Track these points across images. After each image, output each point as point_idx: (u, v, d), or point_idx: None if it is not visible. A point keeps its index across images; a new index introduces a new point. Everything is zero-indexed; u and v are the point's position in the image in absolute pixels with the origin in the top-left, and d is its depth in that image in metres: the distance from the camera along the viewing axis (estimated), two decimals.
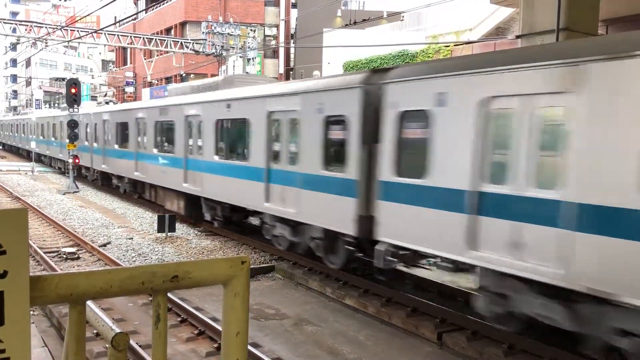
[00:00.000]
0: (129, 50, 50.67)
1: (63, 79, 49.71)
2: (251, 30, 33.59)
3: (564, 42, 6.68)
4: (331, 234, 10.19)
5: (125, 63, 55.19)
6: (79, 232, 14.58)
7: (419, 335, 8.17)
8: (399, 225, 8.58)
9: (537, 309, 6.71)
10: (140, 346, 6.85)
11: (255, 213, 12.91)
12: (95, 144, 24.40)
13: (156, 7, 46.08)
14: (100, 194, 23.23)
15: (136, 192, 20.31)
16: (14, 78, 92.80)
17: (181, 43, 32.37)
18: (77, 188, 24.14)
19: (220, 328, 7.26)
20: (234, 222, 14.41)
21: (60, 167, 31.54)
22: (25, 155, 45.92)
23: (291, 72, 35.75)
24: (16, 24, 29.27)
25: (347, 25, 23.04)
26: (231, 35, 31.46)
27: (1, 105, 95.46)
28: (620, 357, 6.13)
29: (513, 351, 7.23)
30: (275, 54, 41.48)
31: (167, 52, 35.35)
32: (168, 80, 43.38)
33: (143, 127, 18.40)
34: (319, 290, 10.33)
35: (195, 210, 15.55)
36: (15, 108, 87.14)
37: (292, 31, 40.40)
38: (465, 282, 10.18)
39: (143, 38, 32.33)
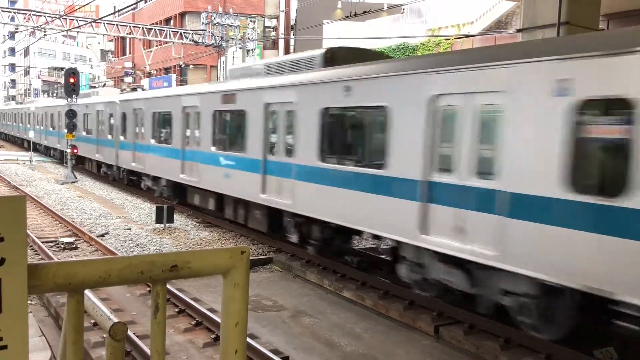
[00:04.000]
0: (128, 40, 50.48)
1: (62, 69, 49.46)
2: (251, 21, 33.47)
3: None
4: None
5: (124, 53, 55.01)
6: (77, 222, 14.57)
7: (416, 328, 8.19)
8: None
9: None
10: (137, 336, 6.85)
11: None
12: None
13: None
14: (98, 184, 23.20)
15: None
16: (12, 67, 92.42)
17: (180, 33, 32.25)
18: (76, 178, 24.11)
19: (217, 319, 7.28)
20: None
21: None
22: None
23: None
24: (15, 13, 29.11)
25: (347, 17, 22.94)
26: (231, 26, 31.34)
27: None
28: (616, 352, 6.16)
29: (509, 345, 7.25)
30: (274, 45, 41.34)
31: (166, 42, 35.23)
32: (167, 70, 43.26)
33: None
34: (316, 283, 10.35)
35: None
36: (13, 97, 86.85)
37: (292, 23, 40.23)
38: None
39: (142, 28, 32.19)
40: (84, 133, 25.68)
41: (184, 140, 15.19)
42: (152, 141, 17.46)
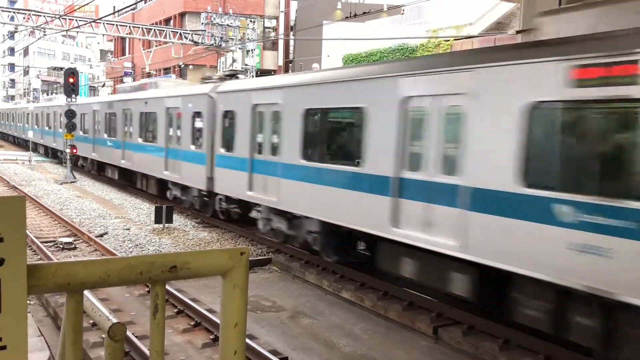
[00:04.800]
0: (127, 40, 50.48)
1: (61, 69, 49.38)
2: (250, 21, 33.47)
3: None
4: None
5: (123, 53, 55.00)
6: (76, 222, 14.56)
7: (414, 329, 8.19)
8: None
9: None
10: (136, 337, 6.85)
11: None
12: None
13: None
14: (97, 185, 23.18)
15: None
16: (12, 67, 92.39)
17: (180, 34, 32.24)
18: (75, 178, 24.09)
19: (216, 320, 7.28)
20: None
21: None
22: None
23: (290, 65, 35.68)
24: (14, 12, 29.10)
25: (347, 17, 22.96)
26: (230, 26, 31.34)
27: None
28: (620, 355, 6.15)
29: (508, 346, 7.26)
30: (274, 45, 41.35)
31: (165, 42, 35.22)
32: (167, 70, 43.27)
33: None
34: (315, 283, 10.35)
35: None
36: (12, 97, 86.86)
37: (292, 23, 40.27)
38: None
39: (142, 28, 32.18)
40: (139, 140, 18.90)
41: (402, 160, 8.36)
42: (303, 161, 10.68)
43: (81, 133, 25.85)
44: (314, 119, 10.69)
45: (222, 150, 13.66)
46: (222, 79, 15.95)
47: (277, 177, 11.42)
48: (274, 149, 11.72)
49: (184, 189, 16.10)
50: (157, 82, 20.53)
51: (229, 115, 13.44)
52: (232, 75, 16.62)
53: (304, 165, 10.64)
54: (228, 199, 13.80)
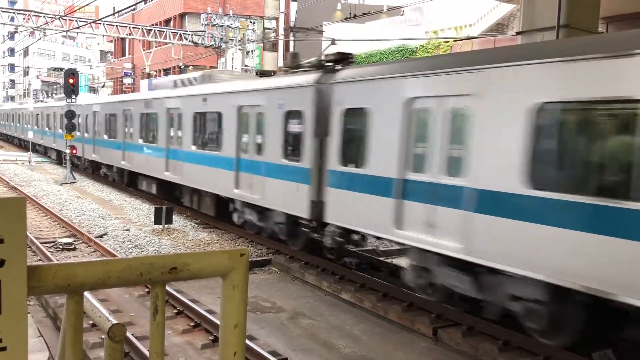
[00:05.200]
0: (127, 41, 50.51)
1: (61, 69, 49.34)
2: (250, 22, 33.49)
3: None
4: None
5: (123, 54, 55.04)
6: (75, 223, 14.56)
7: (414, 330, 8.18)
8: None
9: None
10: (136, 338, 6.85)
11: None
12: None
13: None
14: (97, 185, 23.17)
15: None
16: (12, 67, 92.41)
17: (180, 34, 32.27)
18: (74, 179, 24.08)
19: (216, 320, 7.28)
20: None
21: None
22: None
23: None
24: (14, 13, 29.12)
25: (346, 18, 22.98)
26: (230, 27, 31.36)
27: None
28: (615, 355, 6.16)
29: (508, 347, 7.25)
30: (274, 46, 41.35)
31: (165, 43, 35.24)
32: (167, 71, 43.27)
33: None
34: (315, 284, 10.34)
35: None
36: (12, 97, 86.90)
37: (292, 24, 40.28)
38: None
39: (142, 29, 32.21)
40: (193, 147, 14.98)
41: None
42: (529, 190, 6.60)
43: (106, 137, 22.02)
44: (560, 122, 6.55)
45: (341, 165, 9.69)
46: (321, 66, 10.93)
47: (465, 210, 7.30)
48: (454, 167, 7.59)
49: (262, 212, 12.26)
50: (212, 75, 16.34)
51: (355, 114, 9.47)
52: (339, 60, 10.72)
53: (533, 195, 6.50)
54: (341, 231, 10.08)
